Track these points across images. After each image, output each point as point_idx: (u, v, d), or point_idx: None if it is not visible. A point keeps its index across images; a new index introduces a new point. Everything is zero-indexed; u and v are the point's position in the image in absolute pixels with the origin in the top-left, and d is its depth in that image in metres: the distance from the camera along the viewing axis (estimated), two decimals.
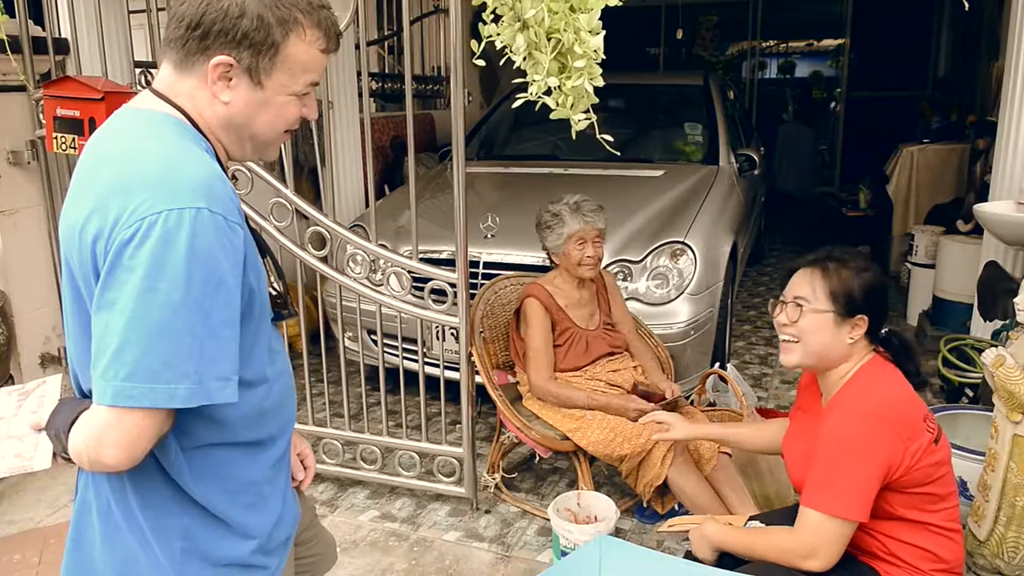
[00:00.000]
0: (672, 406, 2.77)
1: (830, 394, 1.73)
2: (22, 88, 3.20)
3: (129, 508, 1.11)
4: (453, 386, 2.84)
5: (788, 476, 1.85)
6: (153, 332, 0.96)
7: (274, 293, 1.24)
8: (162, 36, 1.12)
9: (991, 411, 2.37)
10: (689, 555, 1.93)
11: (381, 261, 2.80)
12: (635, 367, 2.86)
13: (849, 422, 1.60)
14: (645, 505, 2.67)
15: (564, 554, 2.38)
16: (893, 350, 1.74)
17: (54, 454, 1.10)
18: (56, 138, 2.90)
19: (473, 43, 1.33)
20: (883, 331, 1.73)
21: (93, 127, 2.81)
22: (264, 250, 1.24)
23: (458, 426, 2.83)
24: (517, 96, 1.35)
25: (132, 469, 1.06)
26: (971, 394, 3.28)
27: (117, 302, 0.96)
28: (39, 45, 3.18)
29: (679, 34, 8.21)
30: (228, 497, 1.14)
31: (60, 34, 3.26)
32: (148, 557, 1.12)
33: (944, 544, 1.66)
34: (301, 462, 1.50)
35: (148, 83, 1.16)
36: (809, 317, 1.67)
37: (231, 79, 1.10)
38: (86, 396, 1.07)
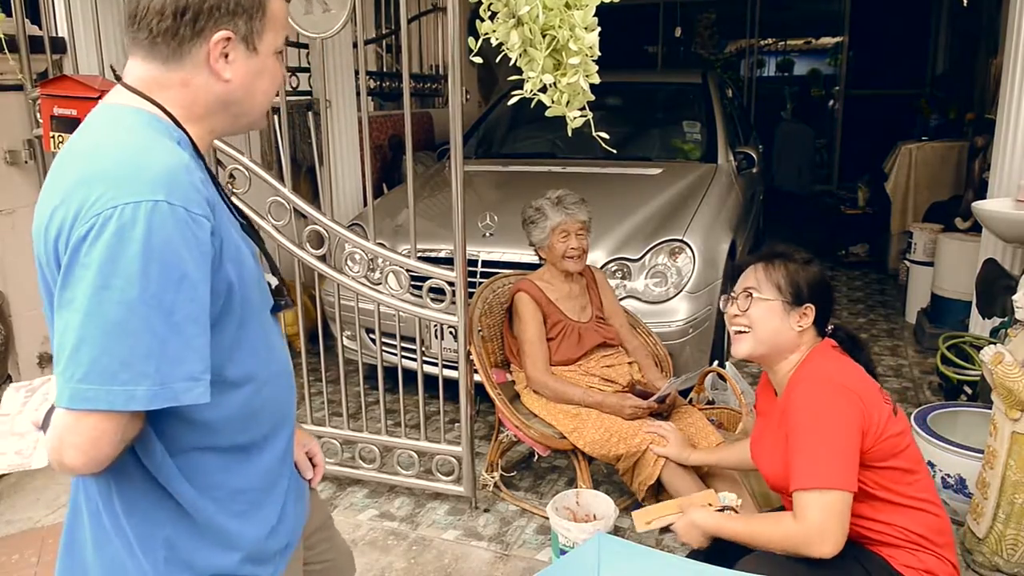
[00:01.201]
0: (669, 405, 2.77)
1: (782, 385, 1.78)
2: (19, 87, 3.19)
3: (115, 514, 1.09)
4: (451, 385, 2.84)
5: (765, 481, 1.85)
6: (108, 331, 0.92)
7: (272, 286, 1.22)
8: (132, 34, 1.07)
9: (990, 409, 2.37)
10: (691, 554, 1.92)
11: (379, 260, 2.79)
12: (630, 363, 2.86)
13: (812, 394, 1.64)
14: (643, 503, 2.67)
15: (563, 552, 2.38)
16: (843, 344, 1.79)
17: None
18: (53, 137, 2.89)
19: (470, 40, 1.32)
20: (829, 327, 1.80)
21: None
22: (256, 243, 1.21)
23: (457, 425, 2.83)
24: (513, 93, 1.34)
25: (118, 474, 1.05)
26: (970, 392, 3.28)
27: (74, 300, 0.94)
28: (36, 44, 3.17)
29: (677, 32, 8.22)
30: (216, 505, 1.11)
31: (57, 33, 3.25)
32: (134, 564, 1.09)
33: (927, 518, 1.68)
34: (310, 460, 1.46)
35: (118, 78, 1.14)
36: (759, 306, 1.76)
37: (228, 55, 1.08)
38: None
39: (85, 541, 1.13)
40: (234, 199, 1.24)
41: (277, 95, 1.19)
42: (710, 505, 1.89)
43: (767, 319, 1.75)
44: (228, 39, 1.06)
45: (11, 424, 1.13)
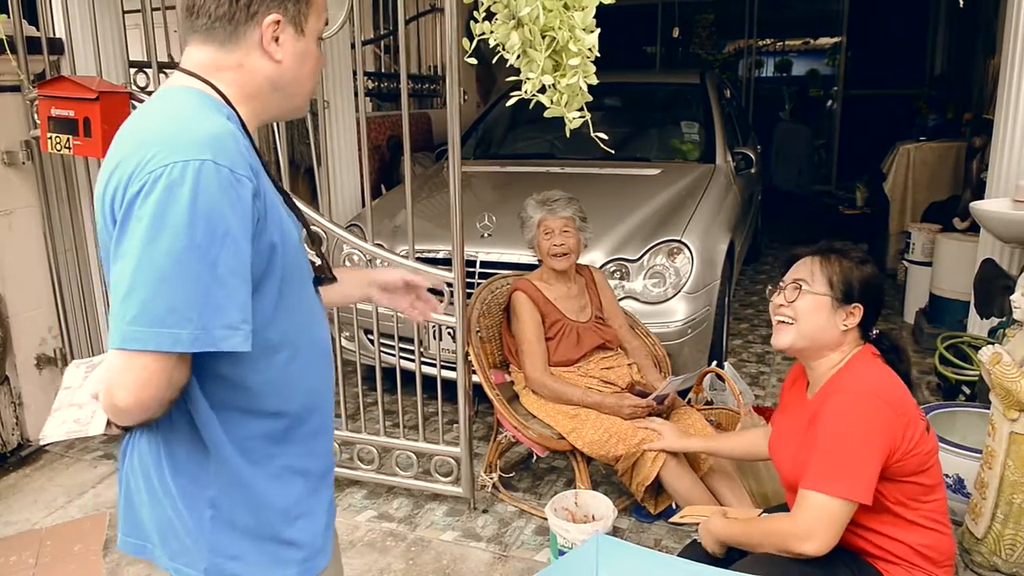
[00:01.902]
0: (668, 406, 2.76)
1: (818, 384, 1.75)
2: (16, 88, 3.19)
3: (163, 475, 1.17)
4: (450, 385, 2.84)
5: (780, 478, 1.84)
6: (157, 278, 1.00)
7: (317, 263, 1.31)
8: (190, 23, 1.17)
9: (988, 409, 2.37)
10: (685, 551, 1.93)
11: (378, 261, 2.79)
12: (630, 365, 2.86)
13: (850, 402, 1.61)
14: (642, 504, 2.67)
15: (562, 553, 2.37)
16: (884, 351, 1.76)
17: (108, 422, 1.17)
18: (50, 138, 2.89)
19: (465, 42, 1.33)
20: (874, 332, 1.76)
21: (88, 127, 2.80)
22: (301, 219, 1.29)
23: (455, 426, 2.83)
24: (511, 94, 1.34)
25: (167, 436, 1.15)
26: (968, 392, 3.28)
27: (128, 251, 1.01)
28: (33, 45, 3.17)
29: (676, 32, 8.21)
30: (253, 468, 1.18)
31: (54, 34, 3.24)
32: (181, 523, 1.17)
33: (935, 537, 1.67)
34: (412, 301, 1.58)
35: (175, 65, 1.23)
36: (807, 299, 1.72)
37: (278, 37, 1.16)
38: None
39: (141, 498, 1.22)
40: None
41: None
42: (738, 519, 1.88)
43: (813, 314, 1.72)
44: (278, 22, 1.15)
45: (72, 396, 1.23)
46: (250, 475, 1.18)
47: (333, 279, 1.35)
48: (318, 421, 1.28)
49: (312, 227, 1.34)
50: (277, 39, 1.16)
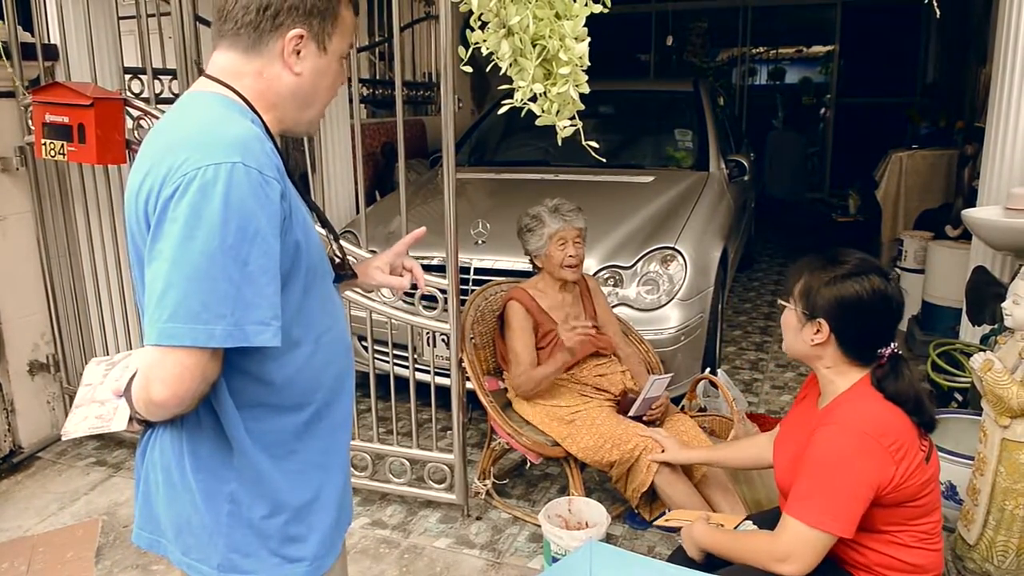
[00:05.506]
0: (660, 411, 2.77)
1: (827, 398, 1.73)
2: (11, 94, 3.19)
3: (184, 470, 1.20)
4: (444, 392, 2.84)
5: (774, 477, 1.85)
6: (192, 276, 1.03)
7: (338, 260, 1.36)
8: (218, 27, 1.21)
9: (980, 415, 2.38)
10: (673, 556, 1.93)
11: None
12: (623, 372, 2.87)
13: (841, 438, 1.59)
14: (636, 511, 2.67)
15: (555, 560, 2.37)
16: (880, 378, 1.67)
17: (130, 418, 1.20)
18: (45, 144, 2.89)
19: (460, 49, 1.34)
20: (884, 351, 1.67)
21: (82, 133, 2.80)
22: (320, 217, 1.33)
23: (449, 432, 2.83)
24: (503, 102, 1.35)
25: (190, 432, 1.18)
26: (960, 398, 3.29)
27: (163, 251, 1.05)
28: (28, 51, 3.17)
29: (669, 40, 8.24)
30: (272, 461, 1.21)
31: (49, 40, 3.25)
32: (199, 518, 1.20)
33: (920, 554, 1.66)
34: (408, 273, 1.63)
35: (201, 71, 1.26)
36: (784, 313, 1.76)
37: (300, 51, 1.20)
38: None
39: (159, 494, 1.25)
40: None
41: None
42: (721, 525, 1.88)
43: (785, 326, 1.75)
44: (301, 36, 1.19)
45: (93, 393, 1.27)
46: (271, 471, 1.21)
47: (354, 276, 1.40)
48: (338, 415, 1.31)
49: (327, 223, 1.39)
50: (299, 52, 1.19)
